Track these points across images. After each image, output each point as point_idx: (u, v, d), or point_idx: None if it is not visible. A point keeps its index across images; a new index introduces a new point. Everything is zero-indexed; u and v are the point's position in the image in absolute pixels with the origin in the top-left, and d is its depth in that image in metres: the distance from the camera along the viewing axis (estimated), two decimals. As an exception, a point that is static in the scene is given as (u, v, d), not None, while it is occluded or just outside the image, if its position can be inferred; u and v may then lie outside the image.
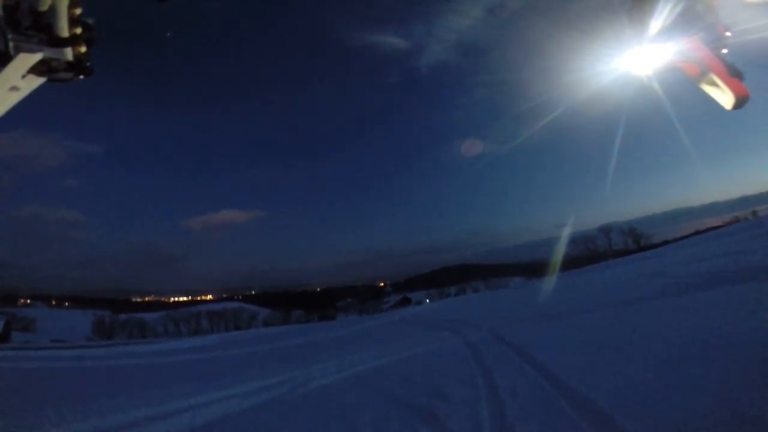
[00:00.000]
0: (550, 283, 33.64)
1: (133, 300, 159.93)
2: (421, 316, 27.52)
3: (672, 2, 1.14)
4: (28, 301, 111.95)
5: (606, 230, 68.97)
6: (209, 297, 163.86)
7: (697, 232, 50.37)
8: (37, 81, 0.99)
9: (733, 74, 1.13)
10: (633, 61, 1.31)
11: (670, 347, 5.14)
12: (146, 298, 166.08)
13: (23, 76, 0.96)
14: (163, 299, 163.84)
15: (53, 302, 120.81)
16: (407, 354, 9.59)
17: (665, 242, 54.44)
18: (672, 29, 1.17)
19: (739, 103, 1.13)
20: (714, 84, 1.16)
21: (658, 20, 1.17)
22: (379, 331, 20.77)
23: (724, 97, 1.15)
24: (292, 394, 6.51)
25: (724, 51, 1.16)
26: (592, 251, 65.47)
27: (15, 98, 0.98)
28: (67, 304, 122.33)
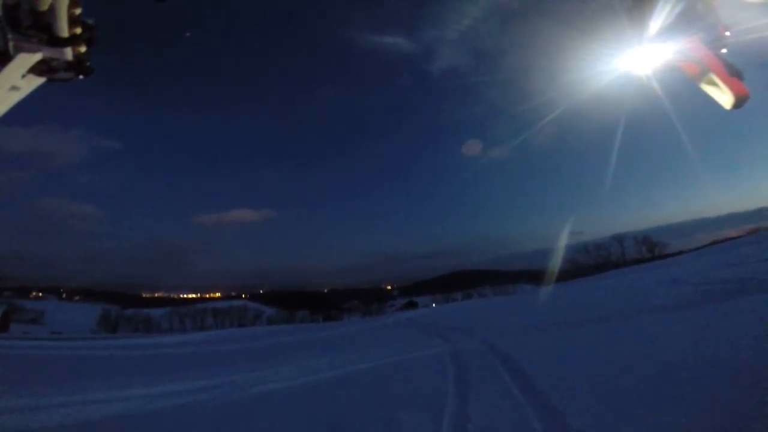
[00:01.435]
0: (559, 290, 32.45)
1: (143, 295, 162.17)
2: (418, 320, 26.72)
3: (672, 2, 1.13)
4: (40, 294, 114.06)
5: (620, 239, 66.67)
6: (218, 294, 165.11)
7: (715, 242, 47.54)
8: (37, 81, 0.99)
9: (733, 74, 1.11)
10: (633, 60, 1.28)
11: (694, 371, 4.07)
12: (155, 294, 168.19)
13: (23, 76, 0.95)
14: (172, 295, 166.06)
15: (63, 295, 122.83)
16: (380, 363, 8.55)
17: (681, 252, 51.90)
18: (672, 29, 1.16)
19: (739, 103, 1.12)
20: (714, 84, 1.14)
21: (658, 20, 1.16)
22: (369, 334, 19.92)
23: (724, 97, 1.13)
24: (219, 399, 5.52)
25: (724, 51, 1.14)
26: (605, 259, 63.38)
27: (15, 98, 0.97)
28: (77, 297, 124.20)
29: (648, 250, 60.46)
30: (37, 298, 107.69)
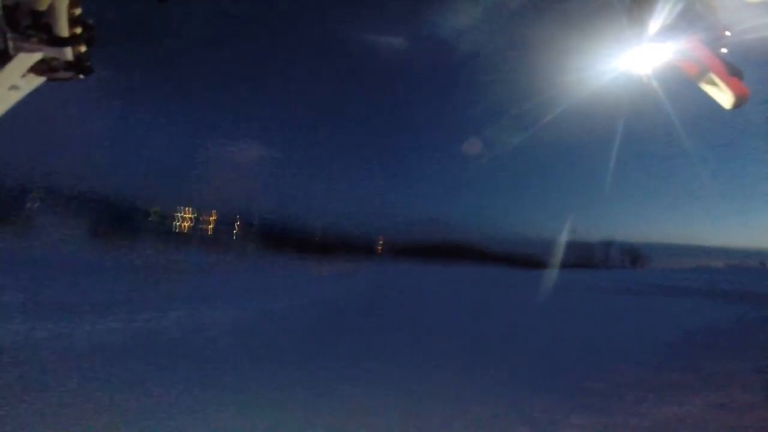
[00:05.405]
0: (516, 276, 33.25)
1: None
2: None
3: (672, 2, 1.11)
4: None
5: (607, 244, 64.71)
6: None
7: (698, 268, 44.61)
8: (37, 80, 0.99)
9: (733, 73, 1.10)
10: (633, 60, 1.26)
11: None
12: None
13: (23, 76, 0.95)
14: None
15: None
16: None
17: (663, 269, 49.68)
18: (672, 29, 1.14)
19: (739, 103, 1.10)
20: (713, 83, 1.13)
21: (657, 20, 1.14)
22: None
23: (724, 97, 1.11)
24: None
25: (724, 50, 1.13)
26: (586, 260, 61.89)
27: (15, 97, 0.96)
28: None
29: (631, 261, 58.57)
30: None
